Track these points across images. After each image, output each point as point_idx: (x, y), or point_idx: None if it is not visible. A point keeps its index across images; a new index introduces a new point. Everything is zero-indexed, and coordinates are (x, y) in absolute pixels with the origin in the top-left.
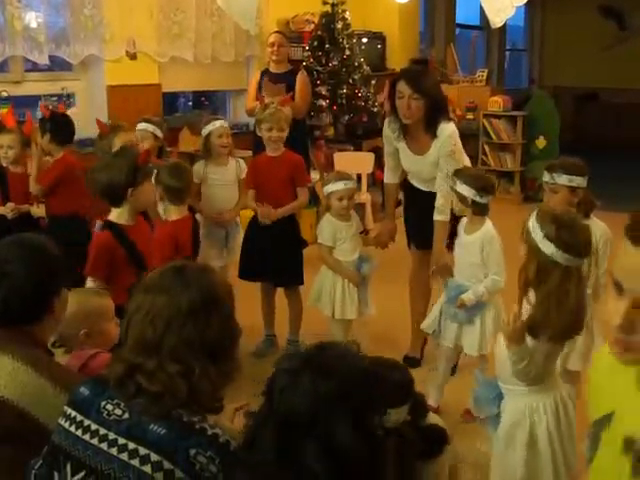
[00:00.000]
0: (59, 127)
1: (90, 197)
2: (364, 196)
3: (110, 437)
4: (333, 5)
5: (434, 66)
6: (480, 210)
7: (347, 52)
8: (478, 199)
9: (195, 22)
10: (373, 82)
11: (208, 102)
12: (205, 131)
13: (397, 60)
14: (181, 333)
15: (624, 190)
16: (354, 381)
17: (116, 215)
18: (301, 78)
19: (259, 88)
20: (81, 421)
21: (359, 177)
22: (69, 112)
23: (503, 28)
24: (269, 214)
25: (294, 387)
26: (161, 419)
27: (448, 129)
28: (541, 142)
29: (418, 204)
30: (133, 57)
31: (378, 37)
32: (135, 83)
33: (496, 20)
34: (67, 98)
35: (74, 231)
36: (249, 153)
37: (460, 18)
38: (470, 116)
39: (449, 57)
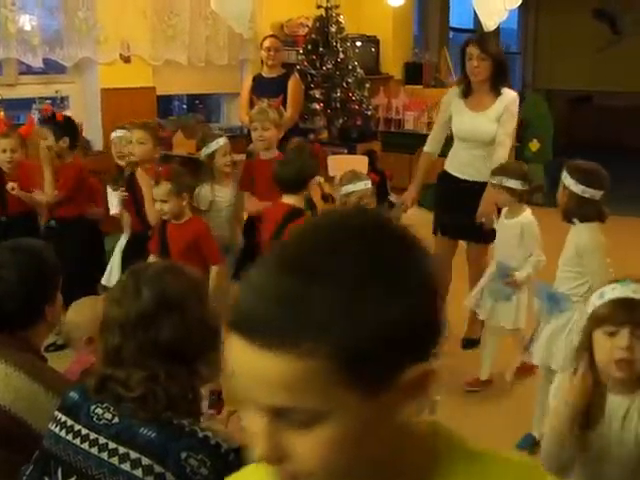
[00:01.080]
0: (74, 131)
1: (98, 200)
2: None
3: (100, 441)
4: (327, 9)
5: (427, 70)
6: (521, 198)
7: (341, 55)
8: (521, 188)
9: (189, 25)
10: (367, 85)
11: (202, 105)
12: (208, 150)
13: (391, 64)
14: (136, 339)
15: (617, 193)
16: None
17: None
18: (294, 83)
19: (252, 92)
20: (71, 426)
21: None
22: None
23: (497, 31)
24: (257, 205)
25: None
26: (151, 422)
27: (512, 93)
28: (535, 145)
29: (455, 194)
30: (127, 60)
31: (372, 41)
32: (129, 86)
33: (489, 23)
34: (61, 101)
35: (85, 233)
36: (243, 157)
37: (454, 22)
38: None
39: (443, 61)
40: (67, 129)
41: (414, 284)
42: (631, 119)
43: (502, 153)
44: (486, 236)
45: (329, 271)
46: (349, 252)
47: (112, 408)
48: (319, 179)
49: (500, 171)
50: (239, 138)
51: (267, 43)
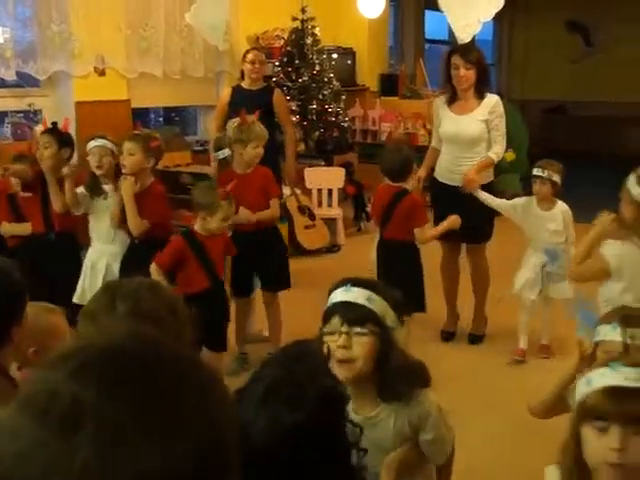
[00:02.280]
0: (72, 143)
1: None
2: (335, 211)
3: None
4: (303, 21)
5: (402, 81)
6: (557, 192)
7: (317, 68)
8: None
9: (164, 37)
10: (343, 97)
11: (178, 118)
12: (222, 155)
13: (367, 75)
14: None
15: (591, 202)
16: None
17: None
18: (280, 99)
19: (230, 104)
20: None
21: (330, 192)
22: (37, 129)
23: (472, 43)
24: (248, 216)
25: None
26: None
27: (495, 97)
28: (510, 155)
29: (445, 200)
30: (102, 73)
31: (348, 52)
32: (104, 99)
33: (463, 36)
34: (34, 114)
35: (75, 246)
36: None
37: (429, 33)
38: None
39: (418, 72)
40: (69, 141)
41: (189, 430)
42: (604, 129)
43: (497, 149)
44: (483, 236)
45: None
46: (122, 395)
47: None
48: (297, 191)
49: (547, 165)
50: None
51: (251, 56)
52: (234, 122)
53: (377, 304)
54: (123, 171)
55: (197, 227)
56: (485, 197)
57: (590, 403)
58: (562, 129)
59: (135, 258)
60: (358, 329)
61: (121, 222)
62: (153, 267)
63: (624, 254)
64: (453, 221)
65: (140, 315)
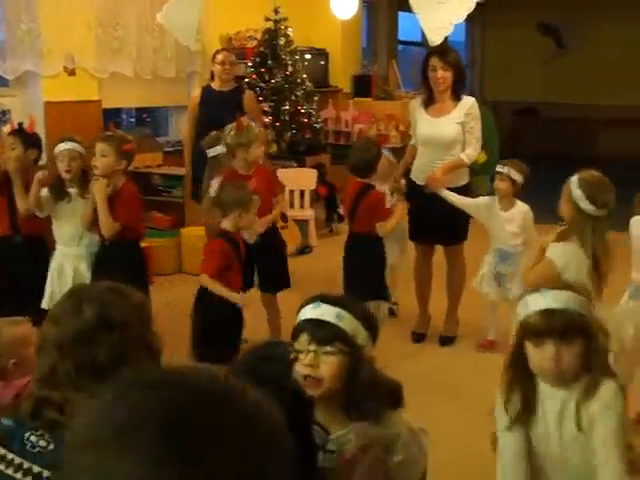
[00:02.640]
0: (40, 145)
1: None
2: (307, 212)
3: (34, 470)
4: (276, 22)
5: (375, 82)
6: (516, 192)
7: (290, 69)
8: (520, 182)
9: (135, 37)
10: (316, 98)
11: (150, 119)
12: (215, 152)
13: (340, 76)
14: (73, 359)
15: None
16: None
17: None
18: (251, 99)
19: (200, 105)
20: (4, 455)
21: (302, 193)
22: (3, 129)
23: (446, 44)
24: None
25: None
26: None
27: (471, 99)
28: (482, 157)
29: (422, 202)
30: (72, 73)
31: (321, 53)
32: (74, 99)
33: (434, 38)
34: (3, 115)
35: (43, 250)
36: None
37: (402, 35)
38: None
39: (391, 73)
40: (36, 142)
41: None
42: (575, 131)
43: (470, 151)
44: (458, 237)
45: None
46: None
47: (47, 435)
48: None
49: (508, 163)
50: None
51: (221, 57)
52: (230, 129)
53: (346, 322)
54: (95, 172)
55: (229, 226)
56: (448, 195)
57: (528, 322)
58: (533, 131)
59: (106, 260)
60: (327, 348)
61: (92, 224)
62: (205, 279)
63: (567, 254)
64: (402, 213)
65: (106, 320)
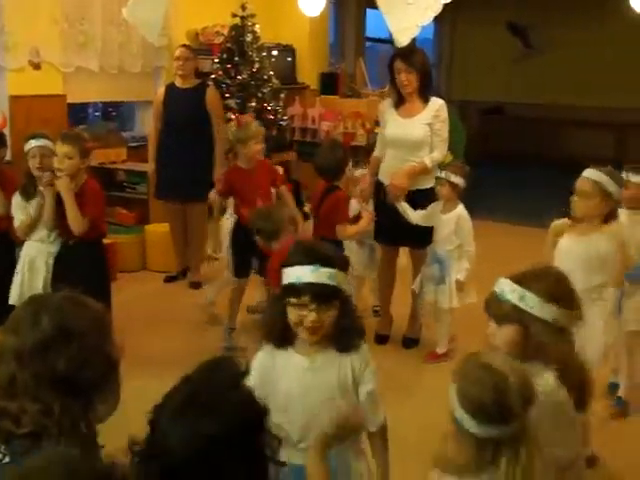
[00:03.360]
0: (5, 142)
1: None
2: None
3: None
4: (243, 18)
5: (342, 80)
6: (458, 195)
7: (256, 65)
8: (461, 185)
9: (101, 31)
10: (282, 95)
11: (116, 113)
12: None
13: (307, 73)
14: (31, 369)
15: (528, 204)
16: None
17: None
18: (214, 96)
19: (164, 103)
20: None
21: None
22: None
23: (413, 45)
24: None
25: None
26: None
27: (439, 101)
28: (447, 157)
29: (387, 205)
30: (37, 67)
31: (288, 50)
32: (39, 93)
33: (401, 39)
34: None
35: (9, 246)
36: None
37: (370, 31)
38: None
39: (358, 71)
40: (2, 139)
41: None
42: (541, 130)
43: (435, 154)
44: (424, 240)
45: None
46: None
47: (2, 447)
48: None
49: (447, 167)
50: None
51: (177, 53)
52: (232, 126)
53: (339, 278)
54: (59, 174)
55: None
56: (406, 210)
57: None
58: (500, 130)
59: (69, 260)
60: (326, 305)
61: (56, 223)
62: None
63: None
64: (368, 220)
65: (65, 330)
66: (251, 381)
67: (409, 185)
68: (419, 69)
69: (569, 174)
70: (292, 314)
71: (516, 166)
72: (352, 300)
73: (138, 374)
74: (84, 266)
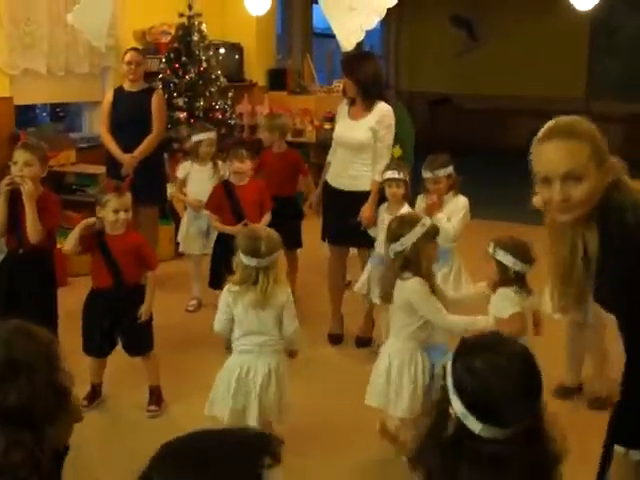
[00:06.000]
0: None
1: None
2: None
3: None
4: (189, 17)
5: (290, 76)
6: (404, 195)
7: (204, 64)
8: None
9: (48, 33)
10: (230, 94)
11: (64, 114)
12: (197, 138)
13: (255, 70)
14: None
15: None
16: None
17: None
18: (157, 100)
19: (113, 106)
20: None
21: None
22: None
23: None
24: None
25: None
26: None
27: (385, 107)
28: (397, 151)
29: (337, 204)
30: None
31: (235, 47)
32: None
33: (346, 44)
34: None
35: None
36: (102, 169)
37: (319, 25)
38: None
39: (306, 67)
40: None
41: None
42: (488, 120)
43: (380, 166)
44: (371, 240)
45: None
46: None
47: None
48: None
49: (399, 168)
50: (98, 148)
51: (128, 57)
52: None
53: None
54: (17, 180)
55: None
56: (376, 234)
57: None
58: (447, 121)
59: (21, 269)
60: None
61: (5, 231)
62: None
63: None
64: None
65: (13, 363)
66: None
67: (373, 210)
68: (357, 78)
69: (515, 162)
70: None
71: (463, 156)
72: None
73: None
74: (34, 276)
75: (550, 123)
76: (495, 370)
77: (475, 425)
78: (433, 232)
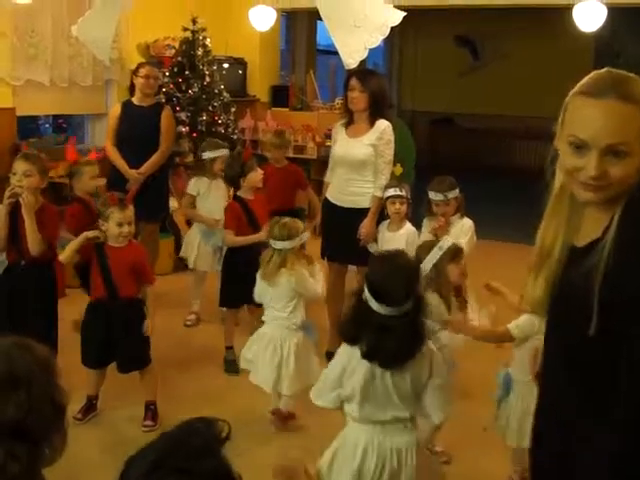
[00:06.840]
0: None
1: None
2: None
3: None
4: (194, 32)
5: (293, 92)
6: (407, 213)
7: (207, 79)
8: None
9: (51, 44)
10: (233, 109)
11: (67, 125)
12: (212, 155)
13: (258, 86)
14: None
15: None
16: None
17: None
18: (167, 118)
19: (121, 120)
20: None
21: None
22: None
23: (365, 66)
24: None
25: None
26: None
27: (384, 123)
28: (398, 169)
29: (337, 222)
30: None
31: (239, 63)
32: None
33: (349, 62)
34: None
35: None
36: (103, 181)
37: (321, 43)
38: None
39: (309, 84)
40: None
41: None
42: (489, 140)
43: (381, 182)
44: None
45: None
46: None
47: None
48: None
49: (400, 185)
50: (100, 161)
51: (145, 71)
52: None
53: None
54: (17, 191)
55: None
56: (376, 250)
57: None
58: (449, 140)
59: (22, 281)
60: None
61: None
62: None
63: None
64: (257, 237)
65: (12, 377)
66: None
67: (373, 225)
68: (372, 91)
69: (521, 184)
70: None
71: (465, 176)
72: None
73: None
74: (35, 288)
75: (602, 73)
76: (386, 269)
77: (374, 305)
78: (453, 252)
